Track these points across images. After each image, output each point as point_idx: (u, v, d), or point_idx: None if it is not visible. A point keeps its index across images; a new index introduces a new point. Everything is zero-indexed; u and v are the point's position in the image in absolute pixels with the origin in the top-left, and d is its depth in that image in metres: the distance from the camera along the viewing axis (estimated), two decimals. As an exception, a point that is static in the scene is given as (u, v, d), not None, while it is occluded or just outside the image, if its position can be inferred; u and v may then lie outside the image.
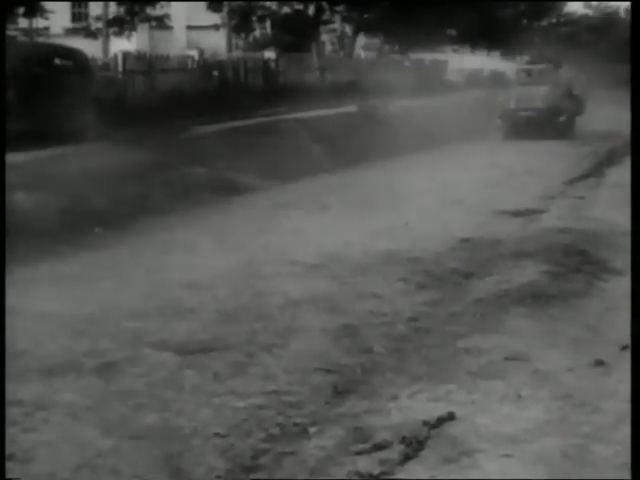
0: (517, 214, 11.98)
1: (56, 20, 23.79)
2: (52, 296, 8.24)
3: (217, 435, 5.09)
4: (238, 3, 26.80)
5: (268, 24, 29.63)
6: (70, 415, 5.43)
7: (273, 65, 27.23)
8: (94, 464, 4.76)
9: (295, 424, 5.24)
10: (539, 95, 24.10)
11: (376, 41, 37.96)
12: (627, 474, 4.19)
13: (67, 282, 8.82)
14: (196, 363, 6.29)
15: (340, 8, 30.19)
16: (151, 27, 27.18)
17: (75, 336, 6.98)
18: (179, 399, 5.65)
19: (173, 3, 26.20)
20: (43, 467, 4.75)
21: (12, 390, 5.81)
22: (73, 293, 8.38)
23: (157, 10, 24.01)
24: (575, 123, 25.19)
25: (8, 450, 4.91)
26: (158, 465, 4.74)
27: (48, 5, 18.59)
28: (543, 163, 18.43)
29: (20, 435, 5.15)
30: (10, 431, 5.17)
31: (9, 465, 4.75)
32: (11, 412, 5.45)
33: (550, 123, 23.74)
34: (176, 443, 5.02)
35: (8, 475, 4.65)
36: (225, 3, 26.79)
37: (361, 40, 36.97)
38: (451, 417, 5.10)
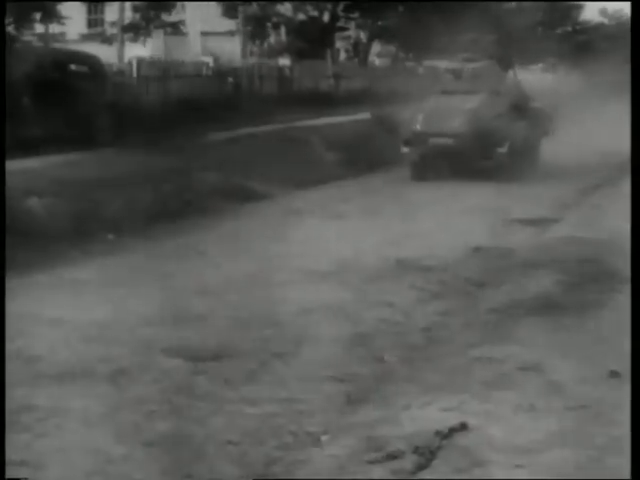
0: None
1: (72, 26, 23.89)
2: (66, 302, 8.26)
3: (230, 442, 5.09)
4: (253, 10, 26.87)
5: (283, 31, 29.69)
6: (83, 421, 5.44)
7: (287, 72, 27.26)
8: (106, 471, 4.77)
9: (307, 432, 5.23)
10: (463, 110, 16.34)
11: (390, 48, 37.98)
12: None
13: (80, 288, 8.84)
14: (208, 370, 6.30)
15: (355, 15, 30.23)
16: (166, 33, 27.24)
17: (88, 342, 6.99)
18: (191, 406, 5.66)
19: (188, 10, 26.29)
20: (55, 473, 4.76)
21: (26, 395, 5.84)
22: (86, 299, 8.39)
23: (172, 16, 24.07)
24: (535, 152, 17.64)
25: (21, 456, 4.93)
26: (170, 472, 4.74)
27: (64, 11, 18.66)
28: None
29: (33, 441, 5.16)
30: (23, 437, 5.20)
31: (21, 471, 4.76)
32: (24, 418, 5.47)
33: (482, 156, 16.12)
34: (188, 450, 5.02)
35: None
36: (240, 10, 26.84)
37: (375, 47, 37.00)
38: (463, 427, 5.09)
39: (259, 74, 25.89)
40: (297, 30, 28.68)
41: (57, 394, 5.90)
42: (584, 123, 20.87)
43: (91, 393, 5.91)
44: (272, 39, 30.48)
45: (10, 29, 15.86)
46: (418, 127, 16.56)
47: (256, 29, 27.78)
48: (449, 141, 16.27)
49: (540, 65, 40.67)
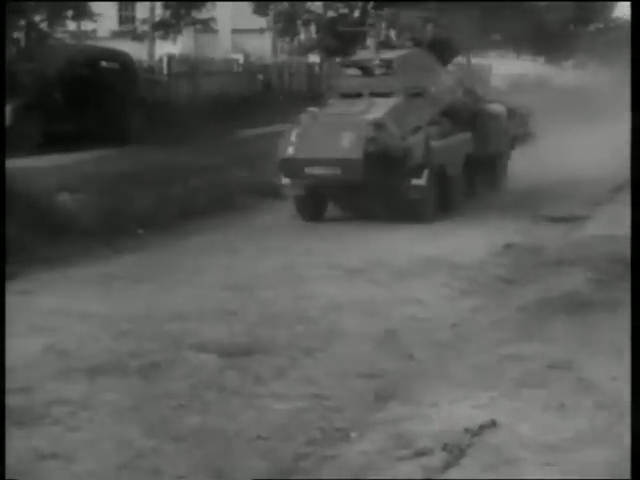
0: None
1: (103, 23, 23.98)
2: (95, 297, 8.32)
3: (259, 438, 5.10)
4: (283, 7, 26.88)
5: (313, 28, 29.68)
6: (113, 415, 5.48)
7: (317, 69, 27.24)
8: (135, 464, 4.79)
9: (336, 429, 5.24)
10: (360, 124, 11.54)
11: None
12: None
13: (110, 283, 8.90)
14: (238, 365, 6.32)
15: (385, 12, 30.16)
16: (197, 30, 27.29)
17: (118, 337, 7.04)
18: (221, 401, 5.68)
19: (219, 7, 26.32)
20: (85, 466, 4.79)
21: (57, 389, 5.89)
22: (116, 294, 8.45)
23: (203, 14, 24.13)
24: (493, 174, 14.24)
25: (52, 449, 4.98)
26: (199, 466, 4.76)
27: (96, 8, 18.77)
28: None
29: (64, 434, 5.20)
30: (54, 430, 5.25)
31: (52, 463, 4.81)
32: (56, 411, 5.52)
33: (387, 191, 11.80)
34: (218, 445, 5.03)
35: (51, 473, 4.70)
36: (271, 7, 26.86)
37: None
38: (493, 425, 5.07)
39: (289, 71, 25.89)
40: (327, 27, 28.67)
41: (88, 388, 5.94)
42: (599, 125, 18.24)
43: (121, 387, 5.95)
44: (302, 36, 30.50)
45: (43, 26, 15.96)
46: (290, 151, 11.71)
47: (286, 26, 27.78)
48: (333, 171, 11.43)
49: (570, 62, 40.37)
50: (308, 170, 11.65)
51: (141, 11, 28.32)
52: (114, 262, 9.90)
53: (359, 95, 12.46)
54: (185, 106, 18.73)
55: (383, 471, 4.65)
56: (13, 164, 12.12)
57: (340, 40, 28.16)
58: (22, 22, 15.77)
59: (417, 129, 11.92)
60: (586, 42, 43.40)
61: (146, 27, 25.11)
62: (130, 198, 11.73)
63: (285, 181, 12.27)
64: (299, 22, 28.39)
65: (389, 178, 11.50)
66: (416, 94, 12.64)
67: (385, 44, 13.79)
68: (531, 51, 41.31)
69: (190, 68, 21.79)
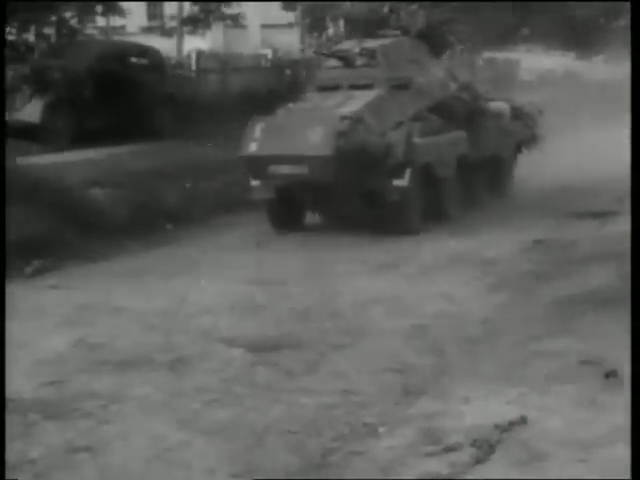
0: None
1: (132, 19, 24.07)
2: (126, 291, 8.37)
3: (288, 432, 5.11)
4: (312, 2, 26.88)
5: (341, 23, 29.66)
6: (143, 408, 5.51)
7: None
8: (166, 457, 4.82)
9: (365, 424, 5.24)
10: (333, 118, 10.42)
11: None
12: None
13: (140, 277, 8.95)
14: (268, 360, 6.33)
15: (413, 7, 30.04)
16: (226, 26, 27.35)
17: (148, 331, 7.08)
18: (251, 395, 5.69)
19: (248, 2, 26.36)
20: (117, 459, 4.82)
21: (88, 382, 5.93)
22: (146, 288, 8.50)
23: (232, 9, 24.16)
24: (496, 179, 13.20)
25: (84, 441, 5.01)
26: (229, 460, 4.78)
27: (125, 4, 18.84)
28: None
29: (95, 427, 5.25)
30: (86, 423, 5.30)
31: (83, 456, 4.84)
32: (87, 404, 5.57)
33: (364, 193, 10.71)
34: (247, 439, 5.05)
35: (84, 466, 4.74)
36: (299, 3, 26.88)
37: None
38: (523, 421, 5.05)
39: (317, 66, 25.85)
40: (355, 22, 28.64)
41: (118, 381, 5.98)
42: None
43: (151, 381, 5.98)
44: (331, 31, 30.50)
45: (73, 22, 16.01)
46: (252, 148, 10.61)
47: (315, 21, 27.79)
48: (300, 170, 10.28)
49: (601, 56, 40.08)
50: (272, 169, 10.50)
51: (169, 7, 28.42)
52: (144, 257, 9.96)
53: (337, 88, 11.34)
54: (214, 101, 18.75)
55: (411, 467, 4.65)
56: (45, 159, 12.25)
57: (369, 36, 28.08)
58: (53, 18, 15.83)
59: (399, 124, 10.77)
60: (617, 36, 43.02)
61: (175, 23, 25.18)
62: (159, 193, 11.79)
63: (254, 183, 10.97)
64: (327, 17, 28.39)
65: (366, 178, 10.33)
66: (401, 86, 11.45)
67: (370, 33, 12.63)
68: (561, 46, 41.00)
69: (219, 63, 21.82)
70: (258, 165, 10.64)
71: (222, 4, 23.27)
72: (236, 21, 24.75)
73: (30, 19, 15.46)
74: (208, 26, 24.78)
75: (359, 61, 11.62)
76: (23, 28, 15.58)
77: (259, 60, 24.33)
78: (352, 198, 10.75)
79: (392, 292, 8.10)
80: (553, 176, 13.77)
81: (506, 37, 32.32)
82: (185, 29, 24.76)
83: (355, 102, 10.81)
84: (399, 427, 5.15)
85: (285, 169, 10.46)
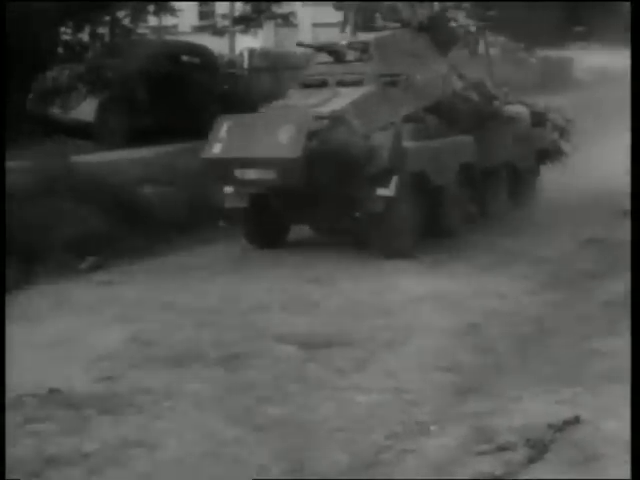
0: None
1: (184, 18, 24.29)
2: (178, 287, 8.44)
3: (340, 430, 5.11)
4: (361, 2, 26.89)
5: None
6: (196, 404, 5.55)
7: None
8: (219, 453, 4.85)
9: (417, 422, 5.22)
10: (307, 118, 9.26)
11: (500, 39, 37.41)
12: None
13: (192, 274, 9.01)
14: (319, 357, 6.34)
15: (465, 5, 29.89)
16: (277, 25, 27.43)
17: (200, 327, 7.13)
18: (302, 392, 5.71)
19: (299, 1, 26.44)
20: (170, 454, 4.86)
21: (141, 378, 5.99)
22: (198, 285, 8.55)
23: (283, 8, 24.22)
24: (517, 195, 12.17)
25: (137, 436, 5.06)
26: (281, 457, 4.79)
27: (177, 4, 19.00)
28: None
29: (148, 422, 5.29)
30: (139, 418, 5.35)
31: (137, 451, 4.89)
32: (140, 399, 5.62)
33: (343, 204, 9.57)
34: (299, 436, 5.06)
35: (137, 460, 4.78)
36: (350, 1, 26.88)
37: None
38: (577, 421, 4.99)
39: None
40: (406, 21, 28.53)
41: (170, 377, 6.03)
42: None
43: (203, 377, 6.02)
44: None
45: (126, 22, 16.19)
46: (216, 149, 9.43)
47: (365, 19, 27.80)
48: (268, 175, 9.09)
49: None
50: (238, 174, 9.34)
51: (221, 6, 28.59)
52: (196, 253, 10.04)
53: (323, 84, 10.22)
54: (266, 100, 18.81)
55: (464, 466, 4.62)
56: (99, 157, 12.38)
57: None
58: (107, 18, 16.03)
59: (389, 125, 9.55)
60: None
61: (226, 22, 25.32)
62: (211, 190, 11.84)
63: (227, 190, 9.95)
64: (377, 16, 28.29)
65: (345, 186, 9.15)
66: (395, 83, 10.29)
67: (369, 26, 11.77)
68: (617, 43, 40.32)
69: (271, 62, 21.89)
70: (222, 169, 9.48)
71: (272, 4, 23.33)
72: (287, 20, 24.82)
73: (85, 19, 15.69)
74: (259, 25, 24.86)
75: (350, 55, 10.49)
76: (78, 28, 15.82)
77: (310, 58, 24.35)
78: (330, 208, 9.60)
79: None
80: (590, 185, 12.72)
81: (559, 35, 31.97)
82: (237, 28, 24.90)
83: (339, 100, 9.68)
84: (451, 425, 5.13)
85: (252, 174, 9.26)
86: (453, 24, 12.34)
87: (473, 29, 33.12)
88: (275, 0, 23.12)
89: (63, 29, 15.84)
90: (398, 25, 11.41)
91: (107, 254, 9.58)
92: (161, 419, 5.34)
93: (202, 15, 34.89)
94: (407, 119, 10.06)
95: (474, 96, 11.25)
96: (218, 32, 25.34)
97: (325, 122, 9.10)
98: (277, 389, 5.76)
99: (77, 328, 7.17)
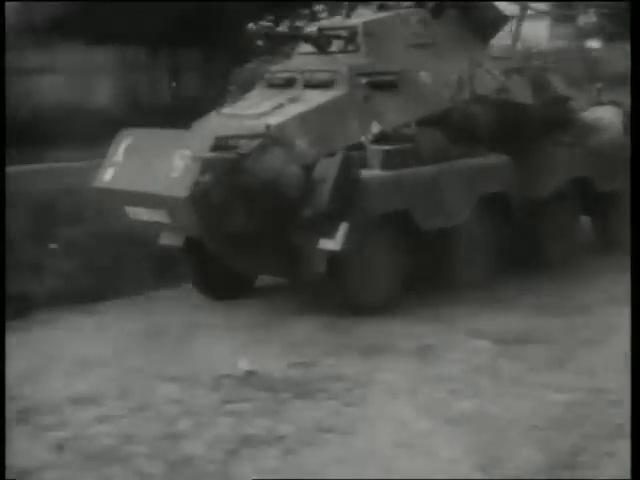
0: None
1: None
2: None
3: (534, 428, 4.99)
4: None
5: (593, 12, 28.73)
6: (388, 393, 5.57)
7: (594, 54, 26.34)
8: (411, 444, 4.83)
9: (616, 424, 5.03)
10: (203, 140, 6.83)
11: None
12: None
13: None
14: (512, 353, 6.23)
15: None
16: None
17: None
18: (495, 387, 5.62)
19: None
20: (362, 441, 4.89)
21: (334, 365, 6.07)
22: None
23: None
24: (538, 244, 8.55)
25: (330, 422, 5.13)
26: (474, 451, 4.73)
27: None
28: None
29: (342, 408, 5.36)
30: (332, 404, 5.43)
31: (329, 436, 4.95)
32: (333, 386, 5.70)
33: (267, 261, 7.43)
34: (491, 432, 4.98)
35: (330, 445, 4.84)
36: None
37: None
38: None
39: (566, 57, 25.22)
40: (609, 13, 27.62)
41: (363, 366, 6.08)
42: None
43: (395, 367, 6.03)
44: (581, 21, 29.61)
45: (324, 16, 16.45)
46: (107, 176, 7.24)
47: (565, 11, 27.09)
48: (160, 218, 7.01)
49: None
50: (130, 212, 7.23)
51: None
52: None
53: (289, 84, 7.84)
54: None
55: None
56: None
57: (623, 26, 26.90)
58: (305, 12, 16.40)
59: (352, 148, 7.18)
60: None
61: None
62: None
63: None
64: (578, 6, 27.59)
65: (281, 231, 6.93)
66: (380, 85, 7.73)
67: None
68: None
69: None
70: (112, 203, 7.43)
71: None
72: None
73: (284, 13, 16.10)
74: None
75: (336, 45, 8.09)
76: (277, 22, 16.26)
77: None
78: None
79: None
80: None
81: None
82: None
83: (291, 109, 7.36)
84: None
85: (144, 214, 7.10)
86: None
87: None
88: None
89: (263, 23, 16.32)
90: (412, 4, 8.65)
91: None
92: (354, 406, 5.41)
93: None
94: (383, 137, 7.44)
95: (519, 98, 8.23)
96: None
97: (255, 142, 6.72)
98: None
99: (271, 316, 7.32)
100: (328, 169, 6.80)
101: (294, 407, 5.40)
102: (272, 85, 7.99)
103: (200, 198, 6.47)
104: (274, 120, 7.10)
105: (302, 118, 7.22)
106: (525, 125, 8.05)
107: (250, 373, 5.96)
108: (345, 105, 7.47)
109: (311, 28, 8.56)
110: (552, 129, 8.36)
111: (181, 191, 6.52)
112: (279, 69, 8.18)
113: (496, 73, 8.37)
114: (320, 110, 7.35)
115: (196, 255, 7.66)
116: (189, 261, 7.86)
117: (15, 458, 4.72)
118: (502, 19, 9.12)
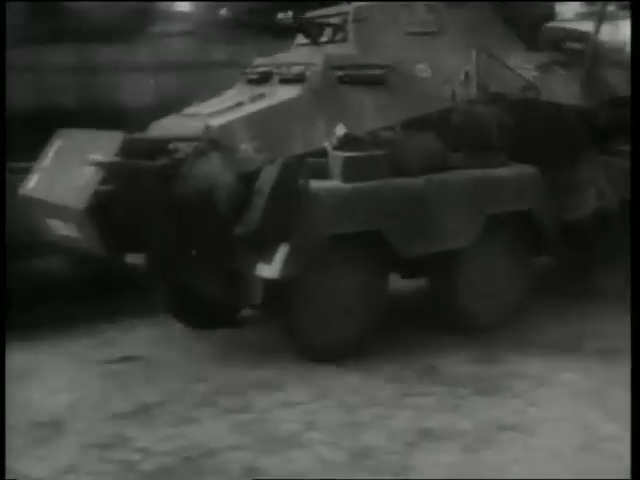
0: None
1: (569, 5, 23.80)
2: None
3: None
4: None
5: None
6: (572, 394, 5.44)
7: None
8: (597, 447, 4.68)
9: None
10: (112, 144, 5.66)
11: None
12: None
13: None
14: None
15: None
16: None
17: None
18: None
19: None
20: (545, 442, 4.78)
21: (518, 362, 5.98)
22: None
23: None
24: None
25: (512, 420, 5.05)
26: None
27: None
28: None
29: (523, 407, 5.28)
30: (515, 402, 5.35)
31: (509, 435, 4.86)
32: (514, 384, 5.63)
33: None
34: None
35: (511, 444, 4.76)
36: None
37: None
38: None
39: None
40: None
41: (544, 365, 5.97)
42: None
43: (579, 368, 5.89)
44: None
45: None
46: (30, 183, 6.34)
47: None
48: (71, 233, 5.94)
49: None
50: (51, 225, 6.18)
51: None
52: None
53: (265, 79, 6.94)
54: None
55: None
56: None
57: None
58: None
59: (321, 154, 6.11)
60: None
61: (612, 8, 24.47)
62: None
63: None
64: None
65: (222, 254, 5.84)
66: (361, 79, 6.63)
67: None
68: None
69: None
70: (34, 214, 6.35)
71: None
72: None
73: (319, 5, 15.82)
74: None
75: (327, 34, 7.16)
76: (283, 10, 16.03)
77: None
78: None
79: None
80: None
81: None
82: (621, 14, 23.98)
83: (248, 108, 6.37)
84: None
85: (61, 227, 6.05)
86: None
87: None
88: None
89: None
90: None
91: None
92: (536, 406, 5.28)
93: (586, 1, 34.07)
94: (353, 142, 6.10)
95: (558, 98, 7.17)
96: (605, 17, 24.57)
97: (193, 146, 5.78)
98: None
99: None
100: (266, 179, 5.64)
101: (473, 403, 5.35)
102: (250, 81, 7.08)
103: (98, 211, 5.44)
104: (218, 121, 6.13)
105: (249, 119, 6.16)
106: (565, 130, 6.93)
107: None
108: (310, 103, 6.36)
109: (306, 16, 7.36)
110: (610, 136, 7.23)
111: (79, 202, 5.56)
112: (259, 63, 7.23)
113: (527, 68, 7.14)
114: (274, 110, 6.27)
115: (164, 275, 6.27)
116: (162, 286, 6.64)
117: None
118: (548, 16, 8.28)
